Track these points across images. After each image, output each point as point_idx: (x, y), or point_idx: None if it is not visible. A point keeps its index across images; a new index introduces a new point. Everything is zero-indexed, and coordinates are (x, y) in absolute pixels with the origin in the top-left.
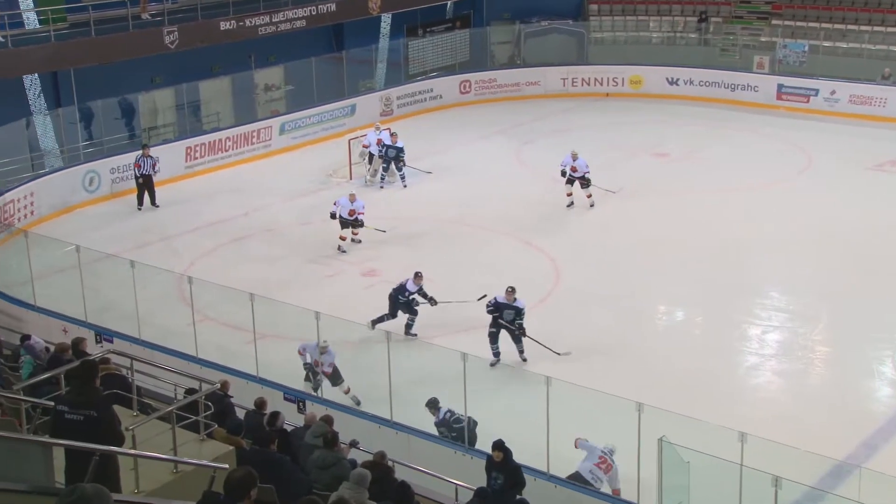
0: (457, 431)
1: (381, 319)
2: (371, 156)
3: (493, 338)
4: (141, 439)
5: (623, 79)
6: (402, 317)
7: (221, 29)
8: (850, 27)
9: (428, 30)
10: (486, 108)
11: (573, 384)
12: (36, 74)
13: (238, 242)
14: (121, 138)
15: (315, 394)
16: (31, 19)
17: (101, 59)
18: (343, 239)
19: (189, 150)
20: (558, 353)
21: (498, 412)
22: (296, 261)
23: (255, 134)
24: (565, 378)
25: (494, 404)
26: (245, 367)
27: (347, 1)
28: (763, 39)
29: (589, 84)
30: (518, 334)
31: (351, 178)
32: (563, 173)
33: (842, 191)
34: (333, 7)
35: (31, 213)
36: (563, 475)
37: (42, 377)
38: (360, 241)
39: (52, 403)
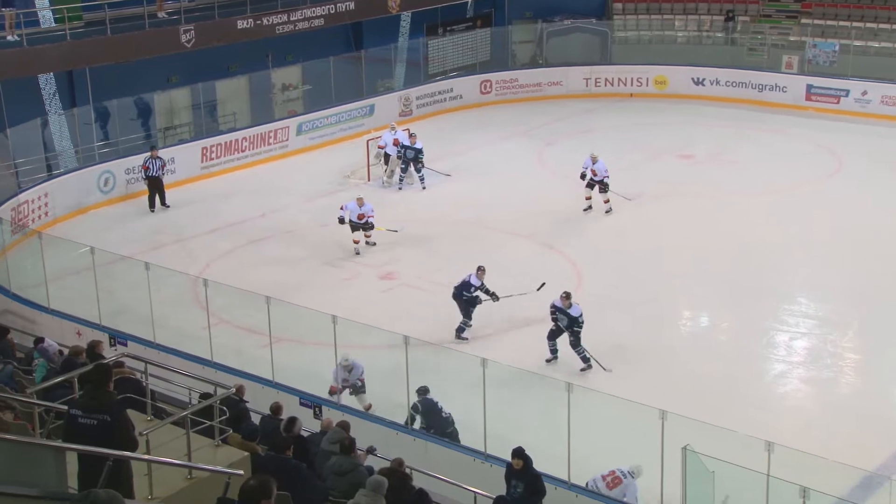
0: (431, 421)
1: (462, 328)
2: (387, 156)
3: (551, 335)
4: (155, 444)
5: (647, 79)
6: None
7: (238, 27)
8: (881, 26)
9: (448, 28)
10: (507, 108)
11: (595, 391)
12: (51, 74)
13: (254, 244)
14: (136, 138)
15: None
16: (46, 18)
17: (116, 58)
18: (356, 242)
19: (205, 151)
20: (605, 369)
21: (518, 419)
22: (313, 263)
23: (272, 134)
24: (587, 384)
25: (514, 411)
26: (261, 372)
27: None
28: (792, 39)
29: (612, 84)
30: (571, 341)
31: (369, 180)
32: (583, 176)
33: (872, 194)
34: (352, 5)
35: (46, 213)
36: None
37: (55, 380)
38: (374, 244)
39: (66, 407)
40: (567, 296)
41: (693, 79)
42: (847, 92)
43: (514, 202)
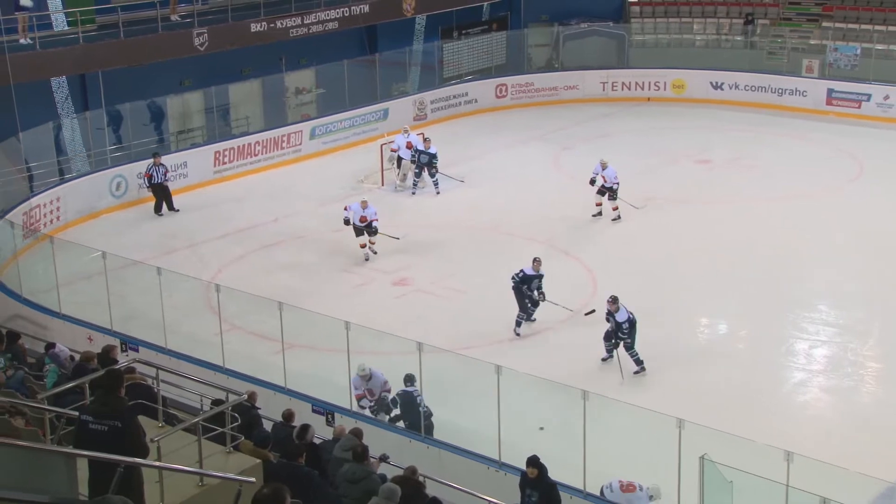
0: (407, 414)
1: (519, 322)
2: (400, 159)
3: (606, 336)
4: (166, 451)
5: (665, 83)
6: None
7: (252, 31)
8: None
9: (463, 32)
10: (522, 112)
11: (611, 399)
12: (64, 77)
13: (267, 249)
14: (149, 142)
15: None
16: (59, 21)
17: (129, 61)
18: (363, 247)
19: (218, 155)
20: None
21: (533, 427)
22: (326, 269)
23: (285, 138)
24: (603, 392)
25: (530, 419)
26: (273, 378)
27: (381, 2)
28: (812, 42)
29: (630, 88)
30: (625, 344)
31: (383, 185)
32: (593, 181)
33: (894, 199)
34: (366, 8)
35: (58, 218)
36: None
37: (66, 386)
38: (375, 253)
39: (77, 413)
40: (613, 300)
41: (711, 83)
42: (868, 96)
43: (530, 207)
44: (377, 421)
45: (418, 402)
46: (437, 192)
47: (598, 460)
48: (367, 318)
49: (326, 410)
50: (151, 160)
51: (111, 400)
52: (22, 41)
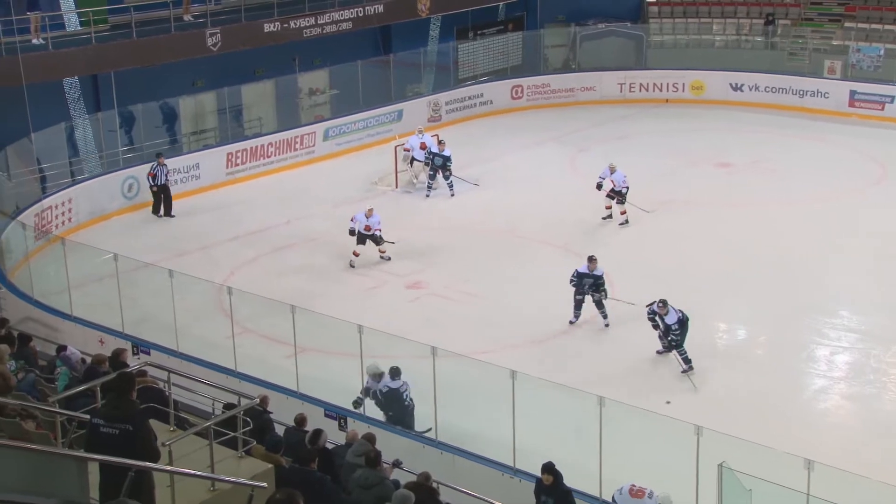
0: (391, 408)
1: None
2: (413, 160)
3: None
4: (177, 455)
5: (684, 84)
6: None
7: (265, 31)
8: None
9: (479, 32)
10: (538, 114)
11: (628, 405)
12: (76, 77)
13: (279, 252)
14: (161, 143)
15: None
16: (72, 21)
17: (142, 61)
18: (357, 255)
19: (230, 156)
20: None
21: (548, 433)
22: (339, 271)
23: (298, 140)
24: (620, 398)
25: (545, 424)
26: (285, 382)
27: (395, 2)
28: (835, 43)
29: (647, 90)
30: (674, 343)
31: (396, 187)
32: (599, 186)
33: None
34: (381, 9)
35: (69, 219)
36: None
37: (78, 389)
38: (388, 259)
39: (88, 416)
40: (663, 304)
41: (731, 84)
42: (892, 98)
43: (546, 210)
44: (390, 426)
45: (403, 397)
46: (452, 195)
47: (614, 467)
48: (380, 321)
49: (339, 415)
50: (155, 161)
51: (122, 403)
52: (34, 41)
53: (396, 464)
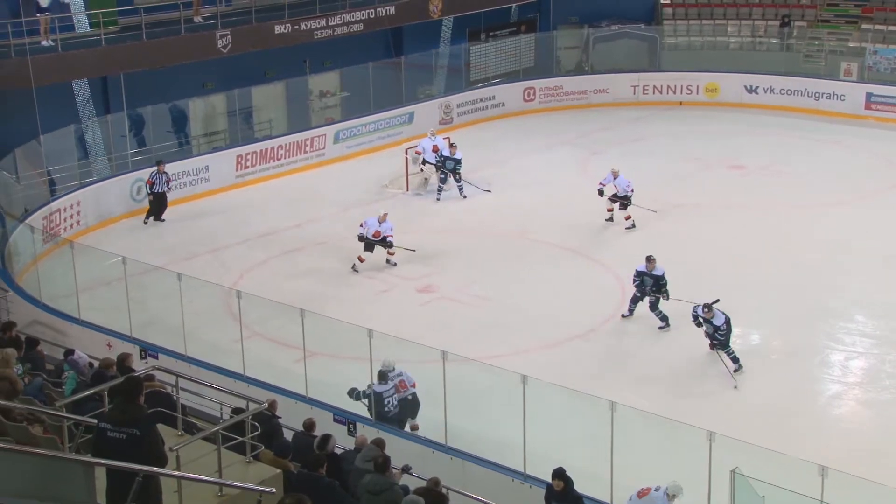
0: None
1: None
2: (424, 162)
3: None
4: (185, 460)
5: (698, 86)
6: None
7: (276, 33)
8: None
9: (491, 34)
10: (551, 116)
11: (640, 410)
12: (85, 80)
13: (289, 255)
14: (170, 146)
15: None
16: (81, 22)
17: (152, 63)
18: (362, 261)
19: (240, 159)
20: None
21: (559, 438)
22: (348, 275)
23: (308, 142)
24: (632, 403)
25: (556, 429)
26: (294, 387)
27: (407, 4)
28: (851, 45)
29: (661, 92)
30: (720, 343)
31: (408, 190)
32: (601, 192)
33: None
34: (392, 10)
35: (78, 222)
36: None
37: (85, 393)
38: (395, 264)
39: (95, 421)
40: (708, 308)
41: (746, 86)
42: None
43: (558, 213)
44: (400, 431)
45: (384, 402)
46: (464, 197)
47: (625, 473)
48: (390, 325)
49: (348, 420)
50: (155, 167)
51: (130, 408)
52: (44, 43)
53: (406, 469)
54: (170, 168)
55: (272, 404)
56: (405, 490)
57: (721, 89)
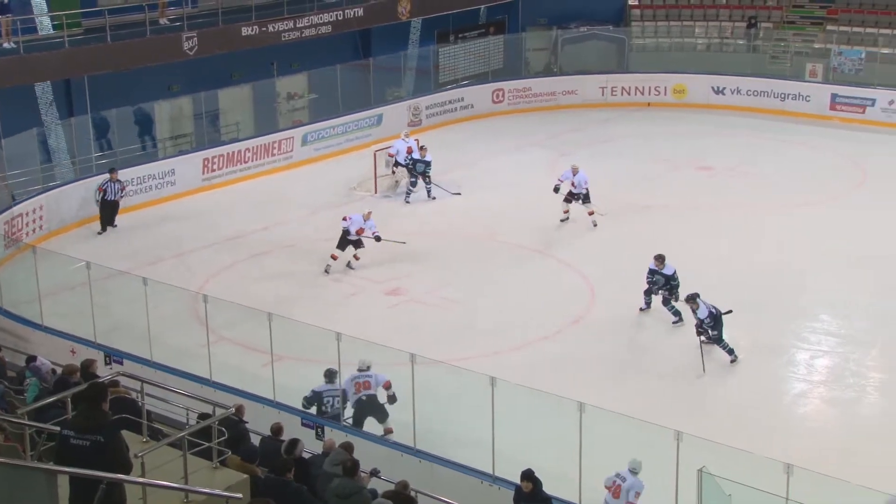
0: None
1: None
2: (397, 163)
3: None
4: (150, 467)
5: (666, 87)
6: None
7: (243, 35)
8: None
9: (460, 36)
10: (520, 118)
11: (608, 411)
12: (48, 82)
13: (257, 258)
14: (135, 149)
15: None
16: (44, 24)
17: (116, 66)
18: (334, 258)
19: (206, 162)
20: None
21: (528, 439)
22: (317, 278)
23: (276, 145)
24: (600, 404)
25: (524, 431)
26: (261, 391)
27: (375, 6)
28: (816, 46)
29: (629, 93)
30: (714, 337)
31: (376, 192)
32: (557, 189)
33: None
34: (360, 12)
35: (41, 227)
36: None
37: (48, 400)
38: (353, 269)
39: (58, 428)
40: (692, 299)
41: (713, 87)
42: (873, 101)
43: (527, 215)
44: (368, 434)
45: (325, 402)
46: (432, 199)
47: (594, 474)
48: (358, 328)
49: (316, 424)
50: (108, 175)
51: (94, 414)
52: (5, 45)
53: (374, 473)
54: (135, 171)
55: (239, 409)
56: (373, 494)
57: (689, 90)
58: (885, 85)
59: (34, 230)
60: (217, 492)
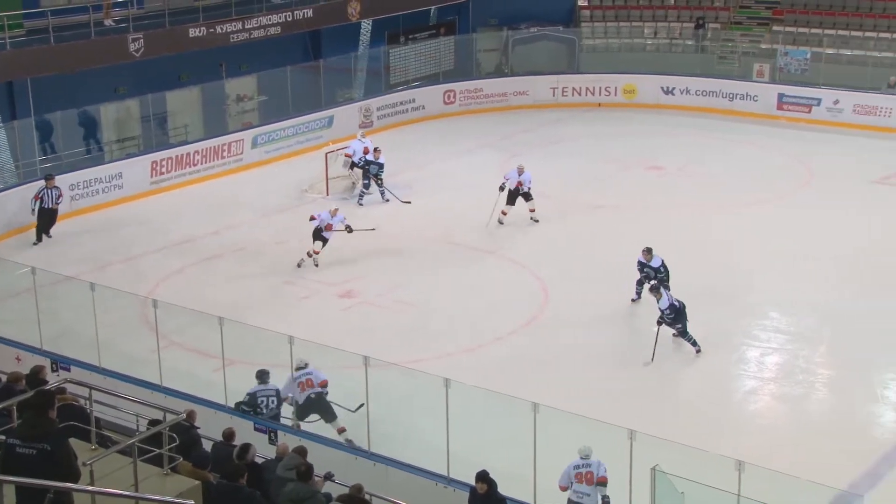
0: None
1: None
2: (353, 165)
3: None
4: (99, 475)
5: (616, 88)
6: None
7: (190, 36)
8: (854, 34)
9: (410, 37)
10: (471, 119)
11: (562, 410)
12: None
13: (207, 262)
14: (82, 152)
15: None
16: None
17: (60, 68)
18: (310, 255)
19: (155, 165)
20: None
21: (482, 440)
22: (269, 281)
23: (226, 147)
24: (554, 404)
25: (479, 432)
26: (213, 396)
27: (325, 7)
28: (763, 46)
29: (580, 94)
30: (678, 331)
31: (328, 194)
32: (502, 188)
33: (845, 206)
34: (310, 13)
35: None
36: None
37: None
38: (317, 265)
39: (3, 437)
40: (654, 288)
41: (662, 88)
42: (819, 101)
43: (480, 217)
44: (322, 438)
45: (259, 403)
46: (386, 201)
47: (548, 474)
48: (311, 331)
49: (269, 428)
50: (43, 182)
51: (41, 422)
52: None
53: (328, 477)
54: (81, 175)
55: (190, 414)
56: (328, 498)
57: (639, 91)
58: (830, 85)
59: None
60: (168, 499)
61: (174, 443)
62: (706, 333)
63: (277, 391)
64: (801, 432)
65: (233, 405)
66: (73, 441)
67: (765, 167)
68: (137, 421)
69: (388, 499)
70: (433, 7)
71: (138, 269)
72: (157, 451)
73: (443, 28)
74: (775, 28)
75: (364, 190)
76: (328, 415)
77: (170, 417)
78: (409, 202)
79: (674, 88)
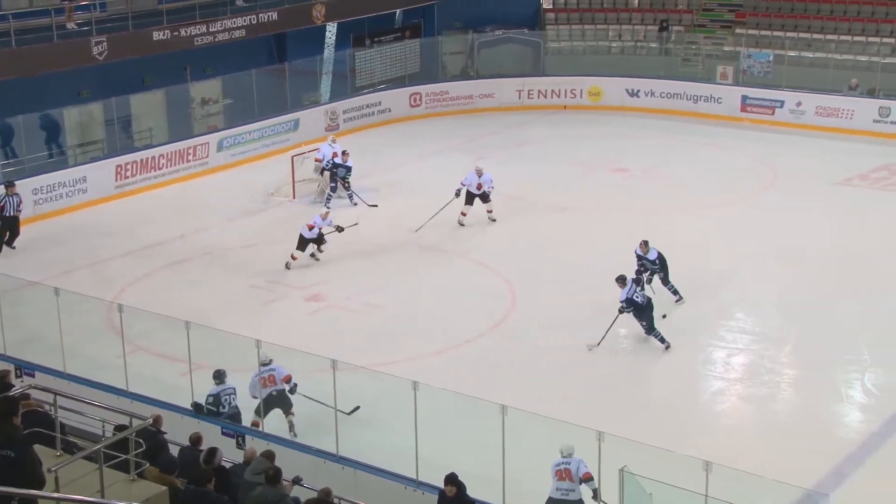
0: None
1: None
2: (323, 170)
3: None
4: (65, 481)
5: (581, 90)
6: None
7: (154, 39)
8: (815, 36)
9: (376, 40)
10: (437, 122)
11: (530, 413)
12: None
13: (173, 267)
14: (43, 157)
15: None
16: None
17: (22, 71)
18: (294, 259)
19: (119, 169)
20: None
21: (451, 443)
22: (236, 285)
23: (191, 151)
24: (523, 406)
25: (447, 435)
26: (180, 401)
27: (290, 10)
28: (726, 49)
29: (546, 96)
30: (645, 328)
31: (294, 197)
32: (458, 193)
33: (808, 207)
34: (275, 16)
35: None
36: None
37: None
38: (288, 268)
39: None
40: (621, 279)
41: (627, 90)
42: (782, 103)
43: (447, 219)
44: (291, 442)
45: (223, 402)
46: (354, 204)
47: (517, 476)
48: (279, 335)
49: (237, 433)
50: (3, 190)
51: (4, 428)
52: None
53: (296, 481)
54: (44, 179)
55: (157, 419)
56: (296, 502)
57: (604, 93)
58: (793, 87)
59: None
60: None
61: (140, 448)
62: (672, 335)
63: (234, 389)
64: (768, 432)
65: (189, 406)
66: (37, 447)
67: (729, 169)
68: (103, 426)
69: (356, 502)
70: (398, 10)
71: (104, 273)
72: (124, 456)
73: (408, 31)
74: (738, 31)
75: (331, 193)
76: (286, 406)
77: (136, 423)
78: (377, 205)
79: (639, 91)
